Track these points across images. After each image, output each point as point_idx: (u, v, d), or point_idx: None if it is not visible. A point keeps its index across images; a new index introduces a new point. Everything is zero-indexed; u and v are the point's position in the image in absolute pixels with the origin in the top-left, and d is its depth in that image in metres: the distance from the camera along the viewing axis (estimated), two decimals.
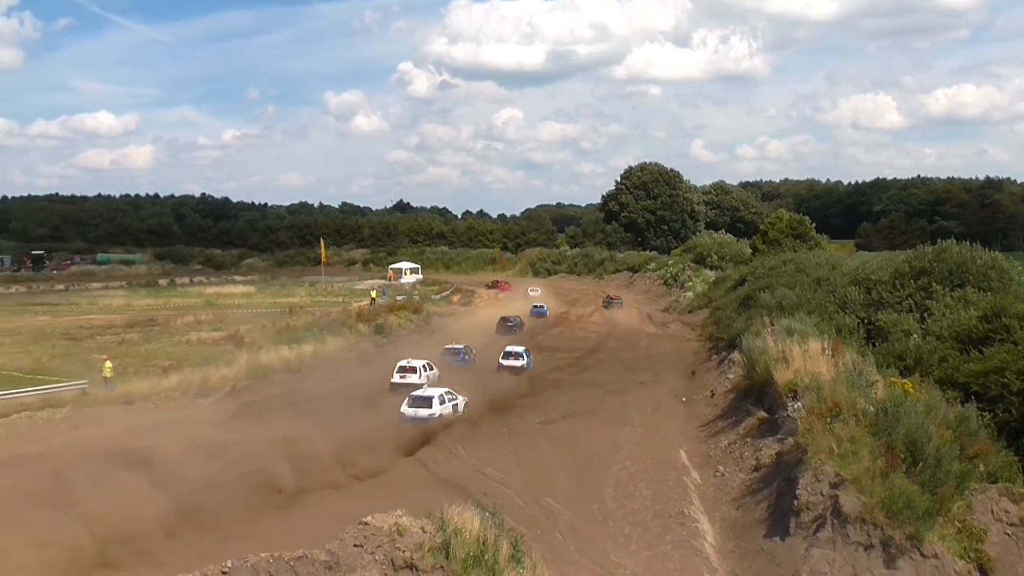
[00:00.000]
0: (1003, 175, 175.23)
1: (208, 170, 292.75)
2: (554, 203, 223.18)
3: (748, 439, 22.84)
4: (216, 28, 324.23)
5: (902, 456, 15.57)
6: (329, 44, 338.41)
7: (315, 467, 21.83)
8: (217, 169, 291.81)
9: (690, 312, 61.58)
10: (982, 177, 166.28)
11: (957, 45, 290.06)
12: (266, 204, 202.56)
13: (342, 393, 31.95)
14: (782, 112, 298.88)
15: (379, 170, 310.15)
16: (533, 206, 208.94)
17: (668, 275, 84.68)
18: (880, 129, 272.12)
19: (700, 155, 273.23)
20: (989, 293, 26.86)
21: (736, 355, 31.50)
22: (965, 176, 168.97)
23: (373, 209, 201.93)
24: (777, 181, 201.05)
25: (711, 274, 73.67)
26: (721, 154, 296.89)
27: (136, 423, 27.30)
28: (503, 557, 12.12)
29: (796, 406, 19.75)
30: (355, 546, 11.11)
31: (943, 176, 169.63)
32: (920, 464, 15.34)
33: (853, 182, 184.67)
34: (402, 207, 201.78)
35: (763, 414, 23.46)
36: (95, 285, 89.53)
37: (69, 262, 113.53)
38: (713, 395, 30.23)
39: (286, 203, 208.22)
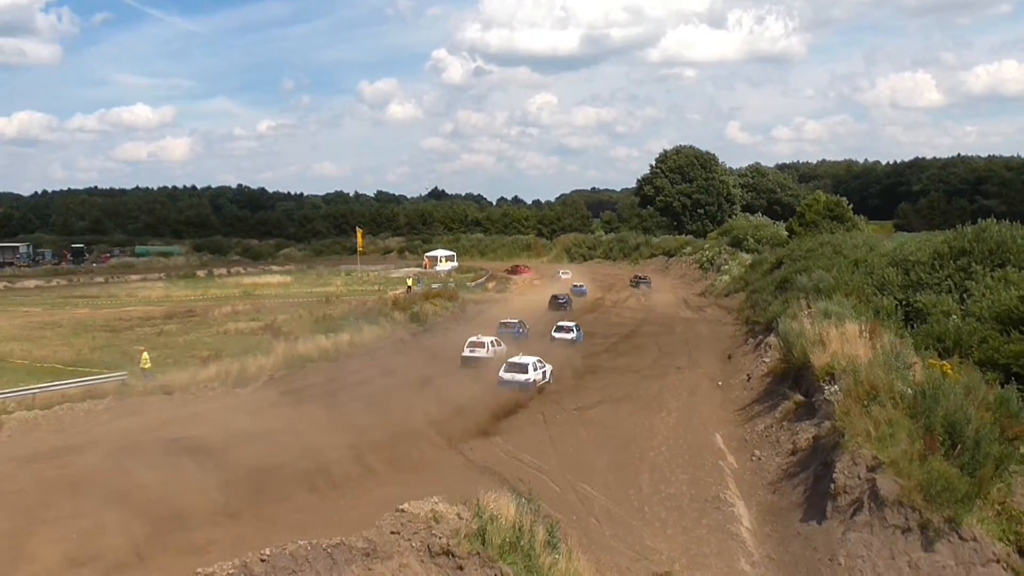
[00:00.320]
0: None
1: (244, 161, 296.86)
2: (589, 188, 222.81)
3: (784, 423, 22.71)
4: (250, 19, 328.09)
5: (940, 439, 15.39)
6: (363, 32, 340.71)
7: (349, 454, 22.07)
8: (253, 160, 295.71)
9: (726, 296, 61.17)
10: None
11: (999, 20, 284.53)
12: (302, 194, 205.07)
13: (377, 381, 32.27)
14: (819, 92, 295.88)
15: (414, 158, 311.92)
16: (568, 191, 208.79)
17: (704, 259, 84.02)
18: (919, 108, 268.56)
19: (736, 137, 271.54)
20: None
21: (772, 338, 31.25)
22: (1007, 154, 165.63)
23: (408, 197, 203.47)
24: (814, 162, 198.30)
25: (747, 257, 72.98)
26: (757, 136, 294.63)
27: (176, 413, 27.79)
28: (539, 543, 12.18)
29: (833, 389, 19.57)
30: (392, 533, 11.21)
31: (984, 154, 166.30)
32: (959, 446, 15.17)
33: (892, 162, 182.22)
34: (437, 194, 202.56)
35: (800, 397, 23.31)
36: (134, 277, 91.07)
37: (108, 255, 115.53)
38: (749, 379, 30.05)
39: (322, 192, 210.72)
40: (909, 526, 14.35)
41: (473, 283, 74.52)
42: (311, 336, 40.13)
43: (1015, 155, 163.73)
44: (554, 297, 58.13)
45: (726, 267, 73.36)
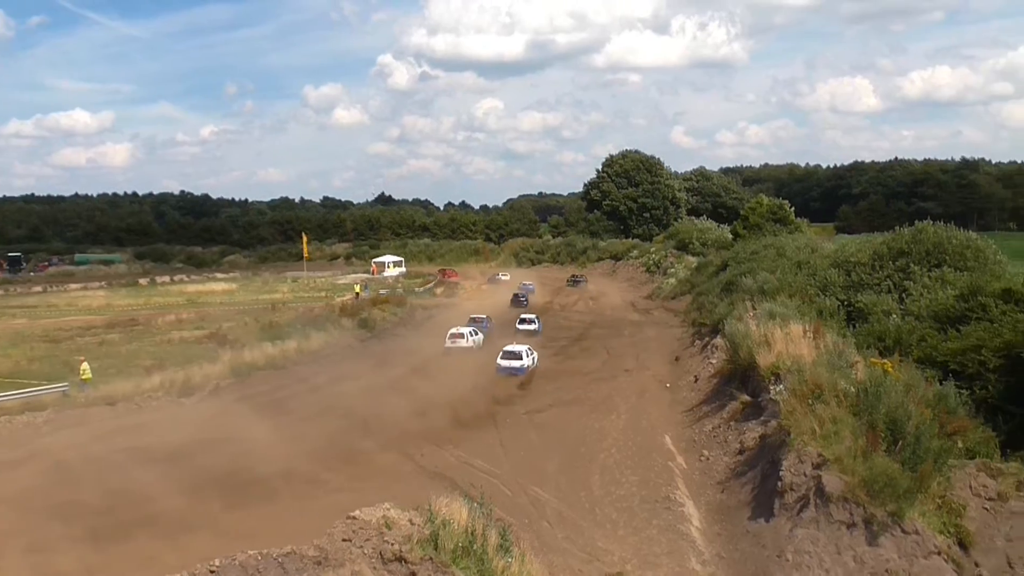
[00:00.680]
0: (978, 156, 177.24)
1: (187, 167, 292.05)
2: (536, 193, 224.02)
3: (732, 423, 23.00)
4: (192, 23, 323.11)
5: (883, 435, 15.73)
6: (307, 37, 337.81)
7: (299, 463, 21.85)
8: (196, 166, 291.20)
9: (673, 298, 61.72)
10: (958, 158, 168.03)
11: (932, 27, 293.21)
12: (247, 200, 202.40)
13: (326, 388, 31.98)
14: (761, 97, 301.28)
15: (360, 163, 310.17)
16: (515, 196, 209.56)
17: (651, 262, 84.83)
18: (858, 112, 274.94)
19: (681, 142, 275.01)
20: (966, 272, 27.16)
21: (719, 340, 31.64)
22: (942, 158, 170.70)
23: (355, 203, 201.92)
24: (757, 166, 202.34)
25: (693, 260, 73.73)
26: (701, 140, 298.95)
27: (119, 424, 27.23)
28: (491, 547, 12.15)
29: (779, 389, 19.87)
30: (343, 540, 11.09)
31: (920, 158, 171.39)
32: (900, 442, 15.51)
33: (832, 165, 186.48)
34: (384, 200, 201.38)
35: (746, 398, 23.62)
36: (74, 286, 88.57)
37: (47, 263, 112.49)
38: (697, 380, 30.39)
39: (267, 199, 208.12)
40: (854, 521, 14.62)
41: (421, 288, 74.24)
42: (258, 344, 39.63)
43: (950, 158, 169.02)
44: (515, 295, 64.25)
45: (672, 270, 74.07)
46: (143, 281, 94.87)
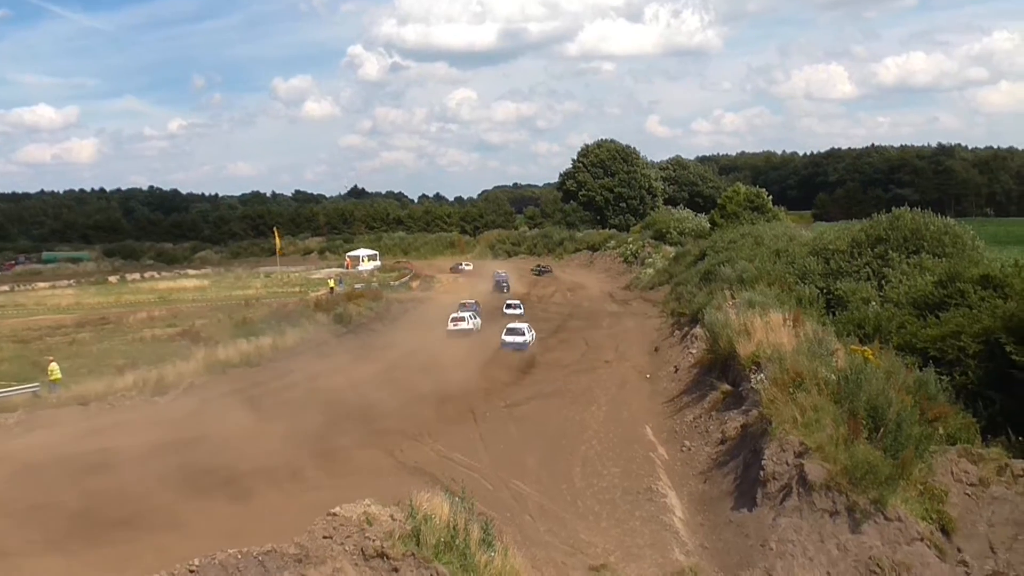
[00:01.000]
0: (954, 142, 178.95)
1: (155, 162, 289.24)
2: (511, 184, 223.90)
3: (713, 413, 22.96)
4: (156, 15, 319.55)
5: (864, 422, 15.70)
6: (276, 28, 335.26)
7: (277, 460, 21.59)
8: (164, 160, 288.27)
9: (651, 289, 61.76)
10: (934, 144, 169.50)
11: (905, 13, 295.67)
12: (217, 195, 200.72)
13: (302, 385, 31.70)
14: (736, 85, 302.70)
15: (332, 156, 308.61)
16: (490, 187, 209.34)
17: (628, 252, 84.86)
18: (833, 99, 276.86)
19: (656, 131, 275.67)
20: (944, 259, 27.26)
21: (698, 330, 31.64)
22: (918, 144, 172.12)
23: (328, 196, 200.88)
24: (734, 154, 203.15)
25: (671, 250, 73.96)
26: (677, 129, 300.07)
27: (92, 424, 26.82)
28: (474, 541, 12.03)
29: (759, 378, 19.83)
30: (324, 537, 10.93)
31: (896, 144, 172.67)
32: (882, 429, 15.49)
33: (808, 153, 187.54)
34: (357, 193, 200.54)
35: (727, 387, 23.58)
36: (42, 284, 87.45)
37: (13, 262, 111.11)
38: (677, 370, 30.36)
39: (237, 193, 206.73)
40: (837, 509, 14.59)
41: (396, 282, 73.91)
42: (231, 341, 39.24)
43: (926, 144, 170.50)
44: (497, 281, 68.41)
45: (650, 260, 74.23)
46: (113, 279, 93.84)
